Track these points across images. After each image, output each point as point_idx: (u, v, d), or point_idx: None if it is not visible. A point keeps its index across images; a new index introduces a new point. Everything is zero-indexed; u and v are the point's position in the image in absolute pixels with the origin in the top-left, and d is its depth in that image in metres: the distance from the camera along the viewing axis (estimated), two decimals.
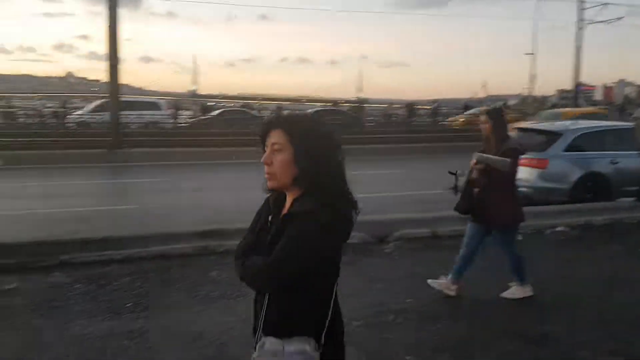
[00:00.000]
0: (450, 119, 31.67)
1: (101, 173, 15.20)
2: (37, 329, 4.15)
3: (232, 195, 10.21)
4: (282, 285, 1.66)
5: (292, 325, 1.67)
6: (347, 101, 59.74)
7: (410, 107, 33.61)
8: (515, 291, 4.84)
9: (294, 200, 1.69)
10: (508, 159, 4.48)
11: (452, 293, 4.83)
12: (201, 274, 5.49)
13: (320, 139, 1.69)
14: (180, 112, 30.61)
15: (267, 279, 1.65)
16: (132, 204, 9.90)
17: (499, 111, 5.01)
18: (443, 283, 4.89)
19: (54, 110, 29.03)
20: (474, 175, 4.68)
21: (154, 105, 25.59)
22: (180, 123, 27.66)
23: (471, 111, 29.42)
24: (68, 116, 25.15)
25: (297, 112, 1.91)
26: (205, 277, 5.38)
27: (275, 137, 1.67)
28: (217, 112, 30.48)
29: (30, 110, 31.11)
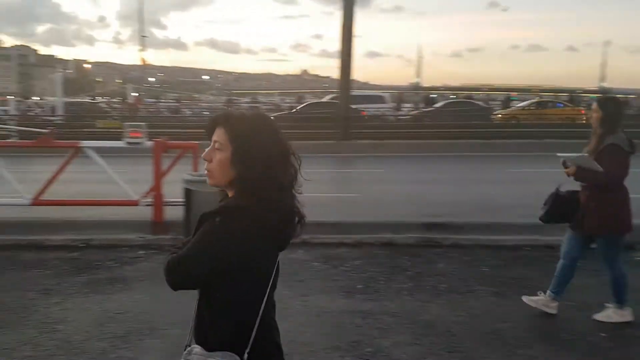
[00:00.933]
0: None
1: (329, 163, 16.34)
2: (285, 298, 4.68)
3: (454, 187, 10.10)
4: (184, 285, 1.62)
5: (216, 337, 1.59)
6: (586, 91, 53.89)
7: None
8: (611, 314, 4.14)
9: (220, 201, 1.66)
10: (600, 170, 3.81)
11: (553, 311, 4.24)
12: (428, 265, 5.58)
13: (260, 144, 1.60)
14: (403, 104, 31.22)
15: (167, 276, 1.60)
16: (358, 192, 10.44)
17: (613, 101, 4.21)
18: (540, 300, 4.29)
19: (290, 106, 32.23)
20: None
21: (379, 99, 26.60)
22: (403, 115, 28.18)
23: None
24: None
25: (245, 111, 1.77)
26: (432, 269, 5.45)
27: (217, 136, 1.62)
28: (440, 103, 30.25)
29: (271, 106, 35.00)
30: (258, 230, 1.55)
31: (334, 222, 6.95)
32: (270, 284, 1.65)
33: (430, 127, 21.45)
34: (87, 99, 44.71)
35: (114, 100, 37.99)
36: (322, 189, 11.02)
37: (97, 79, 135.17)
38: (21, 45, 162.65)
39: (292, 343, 3.84)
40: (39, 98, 42.32)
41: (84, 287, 4.95)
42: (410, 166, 14.35)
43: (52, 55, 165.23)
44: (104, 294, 4.79)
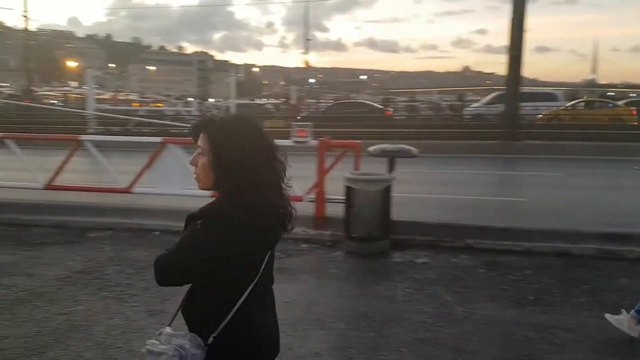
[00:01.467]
0: None
1: (494, 164, 15.54)
2: (448, 304, 4.53)
3: (636, 196, 8.99)
4: (168, 282, 1.68)
5: (191, 319, 1.69)
6: None
7: None
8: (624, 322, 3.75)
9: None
10: None
11: (635, 334, 3.73)
12: (607, 279, 5.02)
13: (239, 147, 1.63)
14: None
15: (154, 273, 1.68)
16: (526, 196, 9.78)
17: None
18: (624, 319, 3.73)
19: (450, 104, 31.41)
20: None
21: (550, 96, 24.70)
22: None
23: None
24: (465, 109, 26.58)
25: (227, 115, 1.82)
26: (613, 284, 4.89)
27: (200, 141, 1.68)
28: (621, 102, 27.14)
29: (429, 104, 34.40)
30: (237, 235, 1.60)
31: (501, 227, 6.57)
32: (254, 282, 1.68)
33: (609, 127, 19.38)
34: (255, 101, 48.17)
35: (278, 101, 40.34)
36: (487, 191, 10.55)
37: (263, 82, 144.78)
38: (200, 51, 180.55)
39: (458, 351, 3.70)
40: (214, 100, 46.54)
41: None
42: (587, 170, 13.08)
43: (227, 61, 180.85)
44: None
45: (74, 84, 79.05)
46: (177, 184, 7.23)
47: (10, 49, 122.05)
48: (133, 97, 49.28)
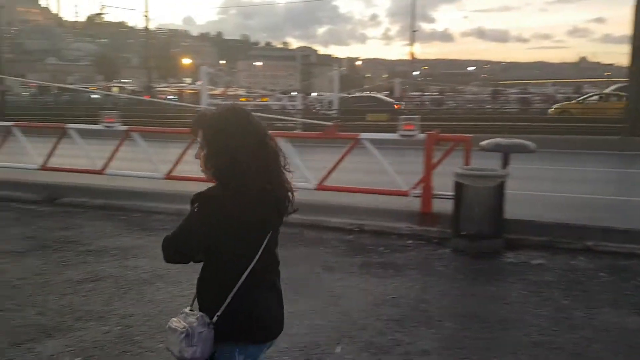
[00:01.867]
0: None
1: (614, 161, 14.39)
2: (566, 308, 4.27)
3: None
4: (172, 260, 1.89)
5: (199, 300, 1.88)
6: None
7: None
8: None
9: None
10: None
11: None
12: None
13: (228, 137, 1.78)
14: None
15: (162, 251, 1.87)
16: None
17: None
18: None
19: (567, 97, 29.45)
20: None
21: None
22: None
23: None
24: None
25: (215, 110, 1.90)
26: None
27: (198, 136, 1.85)
28: None
29: (544, 97, 32.52)
30: (228, 217, 1.75)
31: (623, 229, 6.07)
32: (253, 262, 1.80)
33: None
34: (358, 94, 48.20)
35: (382, 94, 40.16)
36: (606, 190, 9.79)
37: (366, 75, 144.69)
38: (304, 46, 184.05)
39: (578, 356, 3.49)
40: (317, 94, 47.30)
41: (360, 268, 5.31)
42: None
43: (329, 55, 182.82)
44: (378, 277, 5.05)
45: (188, 80, 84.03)
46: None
47: (132, 48, 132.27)
48: (241, 92, 51.35)
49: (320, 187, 7.64)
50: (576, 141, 15.81)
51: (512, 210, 6.10)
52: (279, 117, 17.42)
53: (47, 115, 23.24)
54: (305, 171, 7.81)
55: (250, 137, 1.80)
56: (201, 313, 1.81)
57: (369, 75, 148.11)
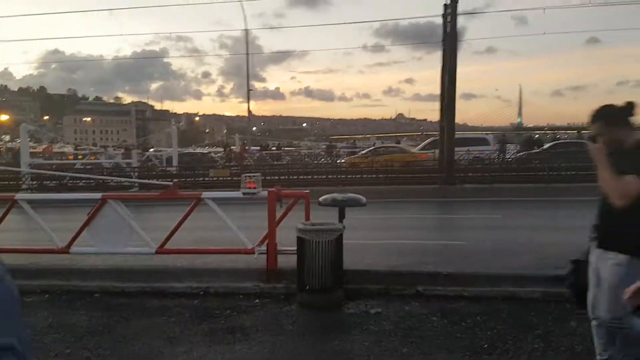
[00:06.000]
0: None
1: (436, 207, 15.95)
2: (406, 356, 4.50)
3: (577, 235, 9.38)
4: None
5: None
6: None
7: None
8: None
9: None
10: None
11: None
12: (558, 322, 5.15)
13: None
14: (507, 146, 30.10)
15: None
16: (465, 239, 10.03)
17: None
18: None
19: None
20: None
21: (483, 141, 25.87)
22: (509, 158, 27.10)
23: None
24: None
25: None
26: (564, 327, 5.01)
27: None
28: (548, 144, 28.77)
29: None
30: None
31: (448, 273, 6.67)
32: None
33: (539, 169, 20.39)
34: (198, 150, 47.67)
35: (222, 149, 40.12)
36: (431, 235, 10.76)
37: (206, 130, 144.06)
38: (138, 101, 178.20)
39: None
40: (154, 149, 45.74)
41: (206, 336, 5.08)
42: (522, 211, 13.65)
43: (167, 110, 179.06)
44: (225, 343, 4.87)
45: (6, 137, 75.95)
46: (119, 242, 6.99)
47: None
48: (68, 148, 47.67)
49: (161, 251, 7.27)
50: (401, 191, 17.33)
51: (352, 259, 6.38)
52: (110, 177, 16.45)
53: None
54: (143, 234, 7.39)
55: None
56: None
57: (209, 130, 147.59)
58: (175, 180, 10.87)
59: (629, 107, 3.22)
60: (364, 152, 28.77)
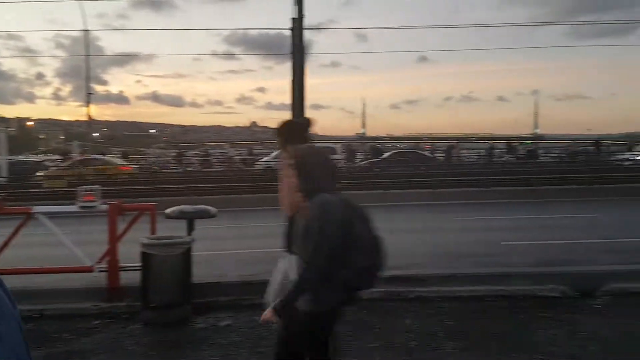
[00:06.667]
0: None
1: (272, 216, 16.24)
2: None
3: (410, 237, 10.24)
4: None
5: None
6: (520, 138, 56.67)
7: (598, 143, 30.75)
8: None
9: None
10: None
11: None
12: (395, 320, 5.55)
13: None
14: (354, 155, 31.79)
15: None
16: None
17: None
18: None
19: (242, 158, 32.29)
20: None
21: (331, 150, 27.02)
22: (355, 165, 28.67)
23: None
24: (256, 163, 27.64)
25: None
26: (400, 325, 5.42)
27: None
28: (388, 153, 30.90)
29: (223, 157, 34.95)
30: None
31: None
32: None
33: (381, 177, 21.84)
34: (30, 157, 43.29)
35: (58, 157, 36.75)
36: (279, 243, 10.94)
37: (40, 136, 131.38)
38: None
39: None
40: None
41: None
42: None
43: None
44: None
45: None
46: None
47: None
48: None
49: None
50: (255, 199, 17.42)
51: (203, 272, 6.26)
52: None
53: None
54: None
55: None
56: None
57: (44, 136, 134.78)
58: (2, 194, 9.74)
59: (306, 123, 3.65)
60: (65, 164, 26.12)
